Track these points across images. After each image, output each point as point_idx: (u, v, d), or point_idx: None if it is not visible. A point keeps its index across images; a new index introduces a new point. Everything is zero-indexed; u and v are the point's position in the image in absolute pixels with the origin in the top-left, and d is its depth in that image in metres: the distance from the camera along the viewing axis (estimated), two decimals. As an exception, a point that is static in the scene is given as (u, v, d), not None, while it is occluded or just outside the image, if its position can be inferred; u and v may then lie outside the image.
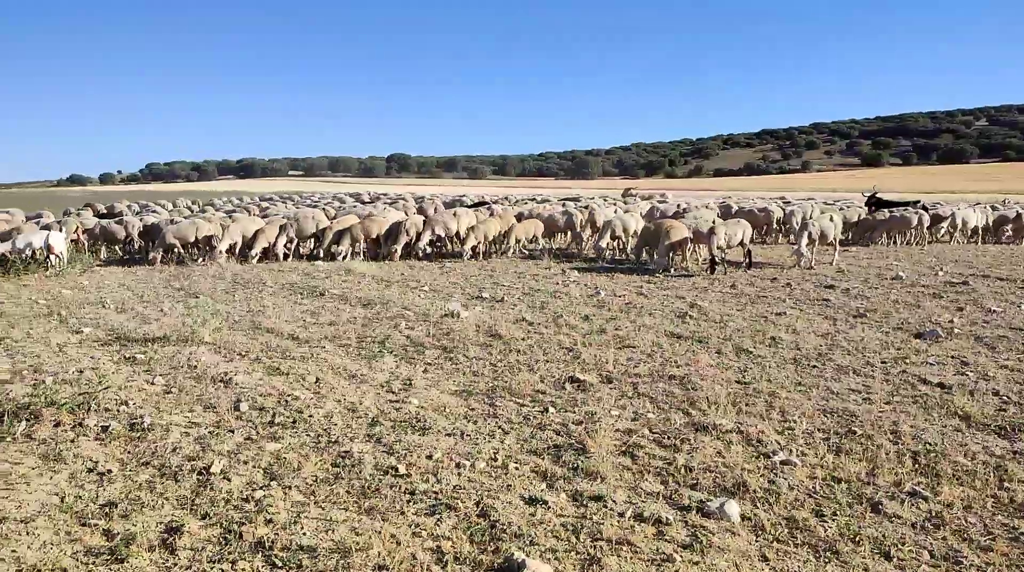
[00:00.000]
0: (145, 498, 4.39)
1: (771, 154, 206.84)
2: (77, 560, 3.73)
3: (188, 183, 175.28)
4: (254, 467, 4.86)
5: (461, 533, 4.01)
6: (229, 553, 3.79)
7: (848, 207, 23.42)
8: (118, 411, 5.87)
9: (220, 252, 15.39)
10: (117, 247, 17.88)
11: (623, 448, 5.23)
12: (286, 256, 16.28)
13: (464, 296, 11.42)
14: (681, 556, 3.81)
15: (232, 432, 5.47)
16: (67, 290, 11.95)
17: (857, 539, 3.98)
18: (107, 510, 4.24)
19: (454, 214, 17.84)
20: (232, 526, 4.04)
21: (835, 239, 15.48)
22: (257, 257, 15.70)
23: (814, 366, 7.33)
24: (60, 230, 15.56)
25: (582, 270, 14.57)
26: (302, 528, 4.05)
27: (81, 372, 6.89)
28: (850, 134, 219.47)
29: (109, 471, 4.76)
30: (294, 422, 5.70)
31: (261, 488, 4.55)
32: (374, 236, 16.67)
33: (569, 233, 18.44)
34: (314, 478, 4.70)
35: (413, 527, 4.10)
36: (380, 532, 3.99)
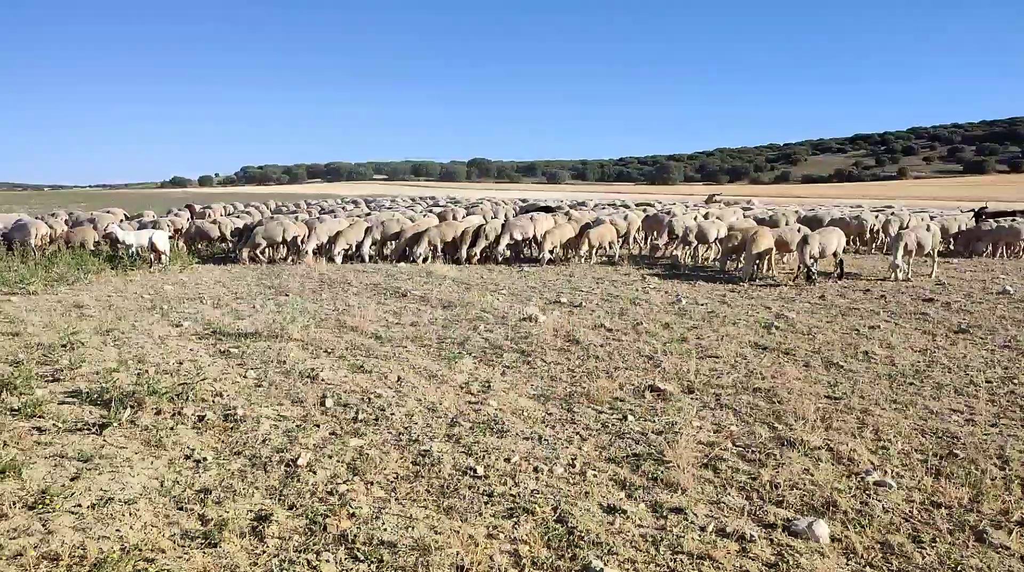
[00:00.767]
0: (237, 486, 4.59)
1: (864, 160, 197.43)
2: (174, 542, 3.93)
3: (279, 186, 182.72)
4: (338, 461, 5.00)
5: (538, 538, 4.00)
6: (314, 544, 3.92)
7: (948, 216, 22.13)
8: (213, 402, 6.17)
9: (307, 252, 15.96)
10: (204, 245, 18.82)
11: (705, 460, 5.10)
12: (372, 258, 16.71)
13: (542, 300, 11.43)
14: (766, 575, 3.68)
15: (318, 426, 5.65)
16: (169, 286, 12.67)
17: (959, 569, 3.74)
18: (202, 496, 4.46)
19: (531, 218, 17.90)
20: (317, 518, 4.17)
21: (933, 250, 14.62)
22: (341, 257, 16.20)
23: (911, 383, 6.95)
24: (163, 229, 16.54)
25: (662, 277, 14.33)
26: (383, 524, 4.14)
27: (180, 363, 7.28)
28: (952, 139, 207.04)
29: (204, 459, 5.00)
30: (376, 419, 5.84)
31: (344, 482, 4.68)
32: (449, 240, 16.92)
33: (649, 239, 18.20)
34: (395, 475, 4.80)
35: (491, 529, 4.12)
36: (458, 532, 4.03)
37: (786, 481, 4.76)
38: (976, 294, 12.23)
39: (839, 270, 14.15)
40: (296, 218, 19.46)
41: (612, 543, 3.95)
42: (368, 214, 21.89)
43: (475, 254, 16.44)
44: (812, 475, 4.86)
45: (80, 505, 4.27)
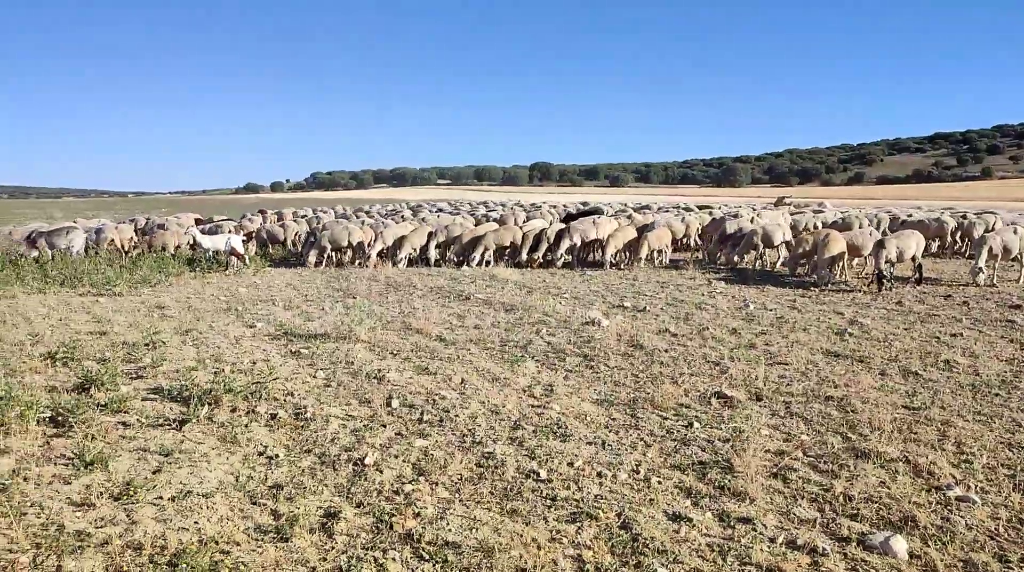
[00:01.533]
0: (307, 483, 4.72)
1: (945, 160, 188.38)
2: (248, 536, 4.08)
3: (346, 191, 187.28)
4: (404, 461, 5.09)
5: (602, 544, 3.98)
6: (381, 542, 4.00)
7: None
8: (285, 401, 6.37)
9: (371, 256, 16.33)
10: (273, 249, 19.45)
11: (774, 470, 4.97)
12: (438, 262, 16.92)
13: (605, 305, 11.35)
14: (839, 590, 3.55)
15: (384, 426, 5.77)
16: (243, 288, 13.15)
17: (1051, 592, 3.53)
18: (274, 492, 4.61)
19: (593, 222, 17.80)
20: (384, 516, 4.26)
21: (1020, 254, 13.83)
22: (405, 261, 16.47)
23: (996, 394, 6.59)
24: (239, 234, 17.21)
25: (729, 281, 14.02)
26: (448, 524, 4.19)
27: (254, 363, 7.54)
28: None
29: (276, 455, 5.17)
30: (441, 421, 5.92)
31: (410, 482, 4.75)
32: (506, 244, 17.00)
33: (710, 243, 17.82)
34: (459, 476, 4.85)
35: (554, 533, 4.12)
36: (522, 535, 4.05)
37: (861, 494, 4.59)
38: (1069, 301, 11.51)
39: (918, 275, 13.55)
40: (363, 223, 19.92)
41: (677, 551, 3.89)
42: (431, 219, 22.21)
43: (537, 258, 16.46)
44: (889, 488, 4.67)
45: (161, 497, 4.48)
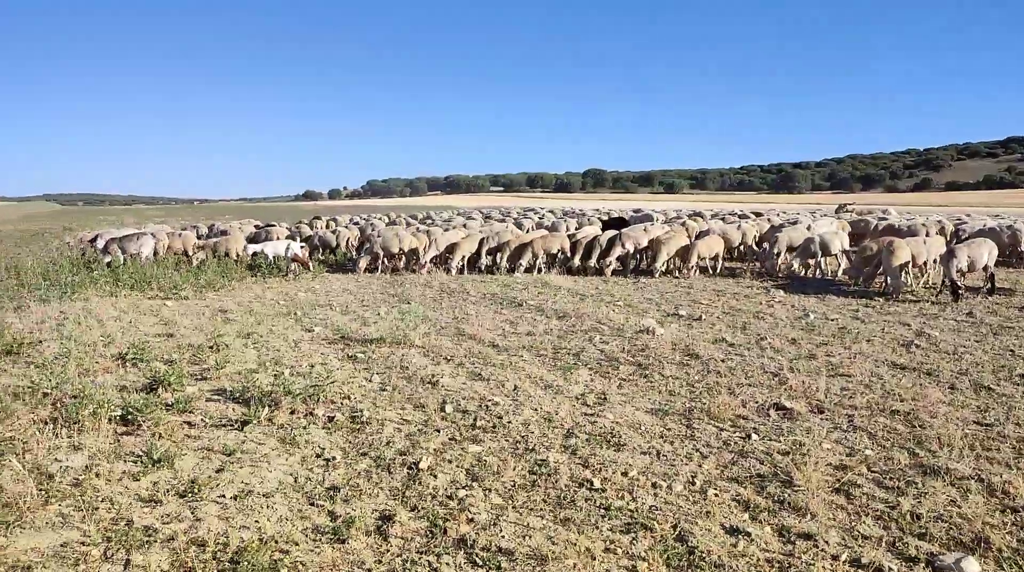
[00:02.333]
0: (363, 486, 4.80)
1: (1019, 165, 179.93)
2: (306, 536, 4.17)
3: (401, 198, 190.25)
4: (457, 467, 5.12)
5: (657, 556, 3.91)
6: (435, 546, 4.03)
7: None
8: (341, 404, 6.49)
9: (423, 262, 16.52)
10: (326, 254, 19.87)
11: (836, 485, 4.81)
12: (490, 269, 17.01)
13: (659, 313, 11.21)
14: (907, 613, 3.41)
15: (438, 431, 5.82)
16: (302, 293, 13.47)
17: None
18: (331, 493, 4.69)
19: (644, 229, 17.62)
20: (438, 521, 4.29)
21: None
22: (457, 268, 16.60)
23: (1079, 412, 6.24)
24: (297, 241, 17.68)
25: (788, 290, 13.67)
26: (501, 531, 4.19)
27: (312, 366, 7.71)
28: None
29: (333, 458, 5.27)
30: (494, 427, 5.93)
31: (464, 488, 4.78)
32: (554, 250, 16.97)
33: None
34: (512, 483, 4.85)
35: (608, 543, 4.08)
36: (575, 544, 4.02)
37: (929, 512, 4.40)
38: None
39: (990, 285, 12.96)
40: (416, 230, 20.17)
41: (735, 566, 3.80)
42: (476, 225, 22.33)
43: (590, 265, 16.39)
44: (959, 507, 4.47)
45: (224, 496, 4.61)
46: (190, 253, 17.32)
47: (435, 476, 4.95)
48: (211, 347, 8.45)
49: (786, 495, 4.64)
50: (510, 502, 4.58)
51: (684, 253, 16.10)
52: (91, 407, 5.75)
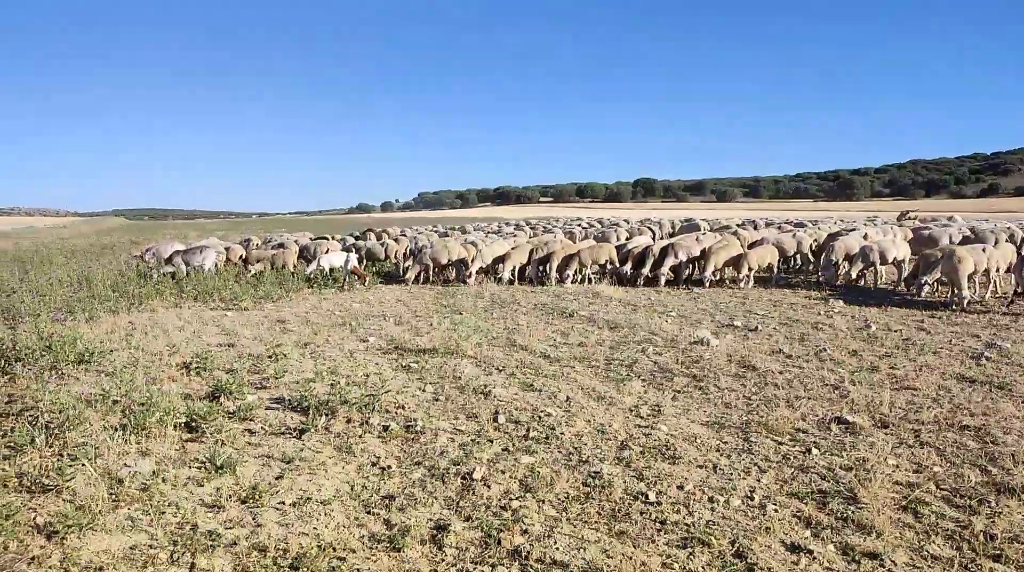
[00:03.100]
0: (418, 495, 4.84)
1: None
2: (363, 544, 4.22)
3: (451, 210, 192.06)
4: (511, 477, 5.12)
5: None
6: (489, 557, 4.03)
7: None
8: (396, 413, 6.57)
9: (470, 274, 16.65)
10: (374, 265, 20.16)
11: (903, 503, 4.64)
12: (540, 280, 17.01)
13: (714, 323, 11.02)
14: (982, 638, 3.26)
15: (491, 442, 5.83)
16: (356, 304, 13.72)
17: None
18: (387, 502, 4.75)
19: (695, 239, 17.36)
20: (492, 531, 4.30)
21: None
22: (507, 278, 16.64)
23: None
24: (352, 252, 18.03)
25: (848, 300, 13.28)
26: (555, 543, 4.17)
27: (367, 376, 7.83)
28: None
29: (389, 467, 5.33)
30: (547, 438, 5.92)
31: (517, 498, 4.78)
32: (602, 261, 16.87)
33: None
34: (566, 495, 4.83)
35: (664, 557, 4.02)
36: (631, 558, 3.97)
37: (1004, 533, 4.20)
38: None
39: (1066, 294, 12.35)
40: (466, 241, 20.33)
41: (797, 585, 3.70)
42: (522, 237, 22.35)
43: (641, 275, 16.23)
44: (1038, 529, 4.25)
45: (284, 503, 4.72)
46: (249, 261, 17.85)
47: (488, 486, 4.96)
48: (270, 356, 8.68)
49: (850, 512, 4.50)
50: (564, 514, 4.56)
51: (736, 263, 15.80)
52: (158, 414, 5.96)
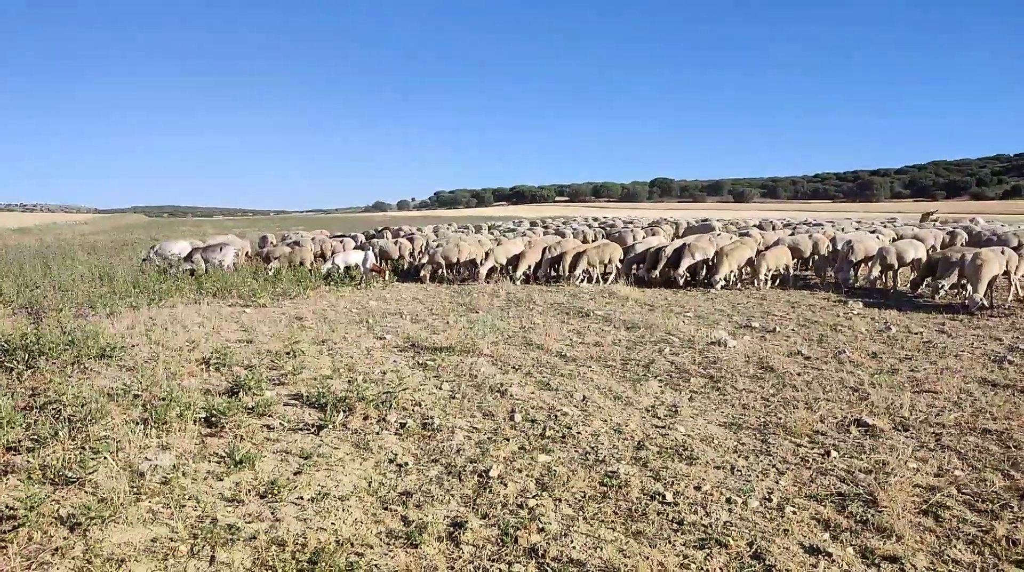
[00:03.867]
0: (435, 492, 4.86)
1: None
2: (380, 539, 4.25)
3: (467, 209, 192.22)
4: (527, 476, 5.13)
5: (733, 573, 3.82)
6: (506, 555, 4.04)
7: None
8: (413, 410, 6.60)
9: (481, 273, 16.67)
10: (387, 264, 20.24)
11: (924, 506, 4.59)
12: (555, 278, 17.01)
13: (731, 324, 10.96)
14: (1005, 645, 3.22)
15: (508, 440, 5.84)
16: (373, 301, 13.78)
17: None
18: (404, 498, 4.78)
19: (710, 240, 17.26)
20: (508, 529, 4.30)
21: None
22: (522, 277, 16.64)
23: None
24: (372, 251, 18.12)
25: (867, 302, 13.15)
26: (572, 541, 4.17)
27: (384, 373, 7.87)
28: None
29: (406, 463, 5.36)
30: (563, 437, 5.92)
31: (534, 497, 4.78)
32: (607, 260, 16.84)
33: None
34: (582, 494, 4.83)
35: (681, 558, 4.01)
36: (648, 558, 3.97)
37: (1028, 539, 4.15)
38: None
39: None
40: (479, 240, 20.35)
41: (816, 587, 3.67)
42: (535, 236, 22.32)
43: (655, 275, 16.17)
44: (1062, 535, 4.20)
45: (302, 498, 4.75)
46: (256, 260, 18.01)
47: (505, 484, 4.97)
48: (288, 353, 8.74)
49: (869, 515, 4.46)
50: (580, 513, 4.56)
51: (750, 264, 15.69)
52: (178, 409, 6.03)
